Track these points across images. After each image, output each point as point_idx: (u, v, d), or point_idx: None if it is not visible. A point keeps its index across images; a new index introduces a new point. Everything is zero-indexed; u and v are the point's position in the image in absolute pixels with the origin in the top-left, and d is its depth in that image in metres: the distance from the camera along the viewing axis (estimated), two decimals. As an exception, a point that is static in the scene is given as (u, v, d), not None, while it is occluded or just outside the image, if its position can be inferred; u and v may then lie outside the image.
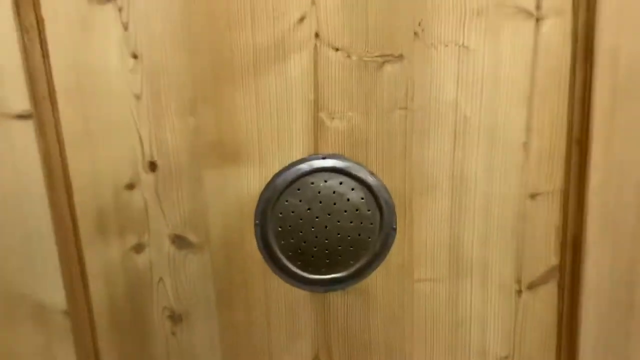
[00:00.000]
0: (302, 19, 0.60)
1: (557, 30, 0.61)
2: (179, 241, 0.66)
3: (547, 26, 0.61)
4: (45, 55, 0.59)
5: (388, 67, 0.62)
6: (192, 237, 0.66)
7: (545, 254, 0.68)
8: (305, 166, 0.64)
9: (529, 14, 0.60)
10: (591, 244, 0.66)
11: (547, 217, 0.66)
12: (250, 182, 0.64)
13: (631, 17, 0.59)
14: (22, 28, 0.58)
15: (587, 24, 0.60)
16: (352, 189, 0.65)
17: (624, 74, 0.61)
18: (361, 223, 0.65)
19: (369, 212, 0.65)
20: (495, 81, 0.62)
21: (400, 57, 0.61)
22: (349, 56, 0.61)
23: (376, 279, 0.68)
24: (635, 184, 0.64)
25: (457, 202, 0.66)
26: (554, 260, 0.68)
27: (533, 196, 0.66)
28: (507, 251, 0.67)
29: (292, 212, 0.65)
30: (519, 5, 0.60)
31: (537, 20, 0.60)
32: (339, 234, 0.65)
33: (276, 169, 0.64)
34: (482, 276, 0.68)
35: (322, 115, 0.63)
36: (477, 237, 0.67)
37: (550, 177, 0.65)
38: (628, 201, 0.65)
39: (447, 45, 0.61)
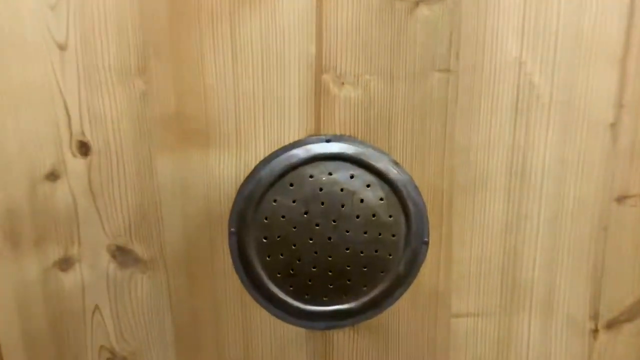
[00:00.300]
0: None
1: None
2: (122, 255, 0.46)
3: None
4: None
5: (424, 9, 0.43)
6: (140, 250, 0.46)
7: (632, 281, 0.49)
8: (301, 152, 0.45)
9: None
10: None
11: (637, 229, 0.47)
12: (223, 172, 0.45)
13: None
14: None
15: None
16: (368, 186, 0.45)
17: None
18: (379, 234, 0.46)
19: (391, 219, 0.46)
20: (575, 35, 0.44)
21: (442, -5, 0.42)
22: (367, -8, 0.42)
23: (399, 311, 0.49)
24: None
25: (516, 207, 0.47)
26: (644, 290, 0.49)
27: (620, 200, 0.47)
28: (581, 277, 0.48)
29: (282, 216, 0.46)
30: None
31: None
32: (347, 249, 0.46)
33: (260, 156, 0.45)
34: (545, 310, 0.49)
35: (327, 78, 0.44)
36: (541, 256, 0.48)
37: (647, 173, 0.46)
38: None
39: (509, -20, 0.42)
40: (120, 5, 0.42)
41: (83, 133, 0.44)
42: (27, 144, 0.44)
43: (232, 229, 0.47)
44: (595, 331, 0.50)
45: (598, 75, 0.45)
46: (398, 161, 0.46)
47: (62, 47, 0.43)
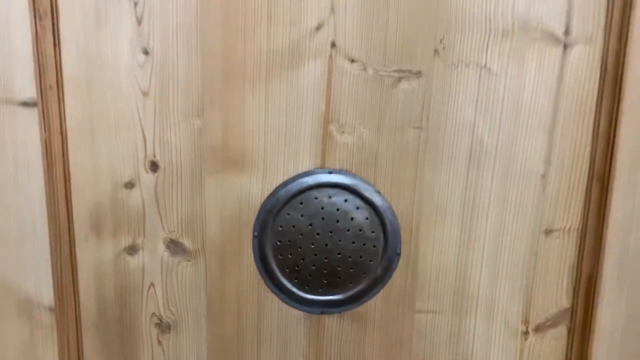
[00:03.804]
0: (319, 27, 0.54)
1: (586, 59, 0.54)
2: (174, 246, 0.59)
3: (575, 53, 0.54)
4: (56, 43, 0.55)
5: (405, 84, 0.55)
6: (187, 244, 0.59)
7: (556, 295, 0.59)
8: (310, 179, 0.57)
9: (556, 39, 0.54)
10: (607, 289, 0.57)
11: (561, 255, 0.59)
12: (252, 191, 0.58)
13: (666, 51, 0.53)
14: (36, 13, 0.54)
15: (618, 54, 0.53)
16: (357, 208, 0.58)
17: (654, 109, 0.54)
18: (364, 244, 0.58)
19: (373, 234, 0.58)
20: (516, 107, 0.55)
21: (418, 73, 0.55)
22: (364, 69, 0.55)
23: (375, 305, 0.60)
24: (659, 229, 0.56)
25: (467, 232, 0.58)
26: (565, 302, 0.59)
27: (548, 232, 0.58)
28: (516, 289, 0.59)
29: (293, 226, 0.58)
30: (547, 29, 0.53)
31: (565, 46, 0.54)
32: (339, 254, 0.58)
33: (280, 180, 0.58)
34: (487, 313, 0.60)
35: (332, 127, 0.57)
36: (485, 271, 0.59)
37: (568, 213, 0.58)
38: (650, 246, 0.57)
39: (468, 65, 0.55)
40: (187, 68, 0.55)
41: (154, 155, 0.57)
42: (113, 160, 0.58)
43: (255, 233, 0.59)
44: (526, 333, 0.61)
45: (532, 138, 0.56)
46: (380, 191, 0.58)
47: (145, 94, 0.56)
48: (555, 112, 0.55)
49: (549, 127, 0.56)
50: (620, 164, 0.55)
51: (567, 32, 0.53)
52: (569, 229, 0.58)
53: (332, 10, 0.54)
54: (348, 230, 0.58)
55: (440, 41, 0.54)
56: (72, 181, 0.58)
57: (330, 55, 0.55)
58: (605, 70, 0.54)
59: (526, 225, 0.58)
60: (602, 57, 0.54)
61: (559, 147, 0.56)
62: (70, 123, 0.56)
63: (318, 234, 0.58)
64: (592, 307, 0.58)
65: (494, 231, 0.58)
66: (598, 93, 0.55)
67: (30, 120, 0.55)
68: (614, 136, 0.54)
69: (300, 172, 0.58)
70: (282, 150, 0.57)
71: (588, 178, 0.57)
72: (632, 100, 0.53)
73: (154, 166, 0.58)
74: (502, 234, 0.58)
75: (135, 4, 0.54)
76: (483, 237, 0.58)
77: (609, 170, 0.55)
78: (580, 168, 0.56)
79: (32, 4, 0.53)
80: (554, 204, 0.57)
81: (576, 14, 0.53)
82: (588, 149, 0.56)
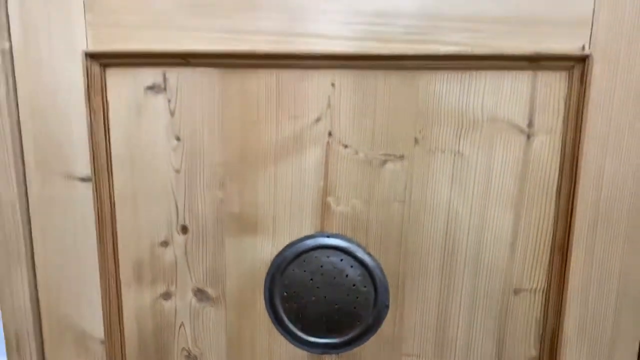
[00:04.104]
0: (318, 119, 0.65)
1: (547, 147, 0.63)
2: (200, 294, 0.72)
3: (537, 142, 0.62)
4: (106, 131, 0.67)
5: (390, 165, 0.65)
6: (211, 292, 0.71)
7: (525, 345, 0.68)
8: (311, 242, 0.68)
9: (521, 130, 0.62)
10: (568, 340, 0.66)
11: (529, 311, 0.67)
12: (263, 250, 0.69)
13: (616, 141, 0.60)
14: (90, 109, 0.66)
15: (574, 144, 0.62)
16: (351, 266, 0.68)
17: (606, 192, 0.62)
18: (357, 297, 0.69)
19: (365, 289, 0.69)
20: (486, 186, 0.64)
21: (402, 157, 0.65)
22: (356, 153, 0.65)
23: (367, 348, 0.70)
24: (613, 290, 0.64)
25: (446, 289, 0.68)
26: (533, 351, 0.68)
27: (517, 291, 0.67)
28: (490, 339, 0.68)
29: (297, 281, 0.69)
30: (512, 122, 0.62)
31: (529, 136, 0.62)
32: (336, 305, 0.69)
33: (287, 242, 0.69)
34: (465, 359, 0.69)
35: (330, 200, 0.67)
36: (462, 323, 0.68)
37: (534, 276, 0.66)
38: (607, 303, 0.64)
39: (443, 152, 0.64)
40: (211, 151, 0.67)
41: (184, 220, 0.70)
42: (152, 224, 0.70)
43: (267, 285, 0.70)
44: (499, 376, 0.70)
45: (501, 211, 0.65)
46: (371, 253, 0.68)
47: (177, 171, 0.68)
48: (521, 191, 0.64)
49: (515, 203, 0.64)
50: (577, 237, 0.63)
51: (530, 124, 0.62)
52: (536, 290, 0.66)
53: (329, 105, 0.64)
54: (343, 285, 0.68)
55: (420, 131, 0.64)
56: (119, 240, 0.71)
57: (328, 142, 0.65)
58: (564, 156, 0.62)
59: (498, 285, 0.67)
60: (562, 146, 0.62)
61: (525, 220, 0.65)
62: (117, 194, 0.69)
63: (318, 288, 0.69)
64: (556, 356, 0.66)
65: (470, 288, 0.67)
66: (559, 175, 0.63)
67: (86, 192, 0.68)
68: (572, 213, 0.63)
69: (303, 235, 0.68)
70: (289, 218, 0.68)
71: (551, 247, 0.65)
72: (587, 182, 0.62)
73: (184, 229, 0.70)
74: (477, 291, 0.67)
75: (169, 100, 0.66)
76: (460, 293, 0.68)
77: (568, 242, 0.63)
78: (544, 239, 0.65)
79: (87, 101, 0.66)
80: (521, 268, 0.66)
81: (538, 109, 0.62)
82: (551, 223, 0.64)
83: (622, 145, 0.60)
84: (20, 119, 0.67)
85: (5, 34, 0.64)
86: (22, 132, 0.67)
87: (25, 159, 0.68)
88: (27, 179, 0.68)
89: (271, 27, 0.61)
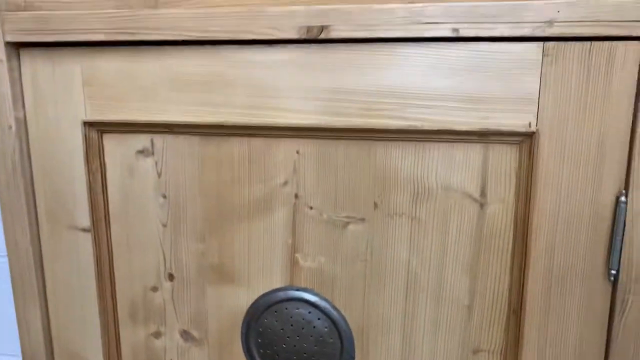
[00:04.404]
0: (285, 183, 0.70)
1: (500, 216, 0.64)
2: (186, 335, 0.78)
3: (490, 211, 0.64)
4: (104, 189, 0.76)
5: (352, 226, 0.69)
6: (195, 334, 0.78)
7: (485, 403, 0.70)
8: (282, 294, 0.73)
9: (474, 199, 0.65)
10: (528, 404, 0.67)
11: (488, 371, 0.69)
12: (240, 299, 0.75)
13: (565, 212, 0.61)
14: (89, 169, 0.75)
15: (526, 214, 0.63)
16: (319, 319, 0.73)
17: (558, 260, 0.63)
18: (324, 348, 0.73)
19: (332, 341, 0.73)
20: (442, 250, 0.67)
21: (362, 220, 0.69)
22: (320, 214, 0.70)
23: (334, 395, 0.75)
24: (569, 354, 0.65)
25: (408, 343, 0.71)
26: (492, 410, 0.70)
27: (475, 352, 0.69)
28: (451, 394, 0.71)
29: (269, 329, 0.74)
30: (465, 191, 0.65)
31: (482, 205, 0.64)
32: (305, 354, 0.74)
33: (260, 293, 0.74)
34: (426, 411, 0.72)
35: (298, 256, 0.72)
36: (423, 377, 0.71)
37: (491, 337, 0.68)
38: (566, 372, 0.65)
39: (401, 216, 0.67)
40: (193, 209, 0.74)
41: (171, 268, 0.77)
42: (144, 270, 0.78)
43: (243, 331, 0.76)
44: None
45: (458, 274, 0.67)
46: (336, 307, 0.72)
47: (164, 225, 0.76)
48: (476, 256, 0.66)
49: (471, 267, 0.66)
50: (530, 301, 0.64)
51: (482, 194, 0.64)
52: (493, 351, 0.68)
53: (295, 170, 0.69)
54: (311, 336, 0.73)
55: (378, 196, 0.67)
56: (116, 283, 0.79)
57: (295, 203, 0.70)
58: (517, 225, 0.64)
59: (456, 345, 0.69)
60: (514, 215, 0.64)
61: (481, 284, 0.67)
62: (114, 243, 0.77)
63: (288, 337, 0.74)
64: (515, 418, 0.68)
65: (430, 346, 0.70)
66: (512, 243, 0.65)
67: (87, 241, 0.77)
68: (525, 279, 0.64)
69: (275, 287, 0.74)
70: (262, 271, 0.74)
71: (507, 310, 0.66)
72: (539, 251, 0.63)
73: (170, 277, 0.77)
74: (437, 349, 0.70)
75: (156, 162, 0.73)
76: (421, 350, 0.70)
77: (522, 306, 0.65)
78: (500, 301, 0.66)
79: (87, 163, 0.75)
80: (479, 329, 0.68)
81: (490, 180, 0.64)
82: (506, 287, 0.66)
83: (571, 216, 0.61)
84: (33, 177, 0.76)
85: (20, 105, 0.74)
86: (35, 189, 0.77)
87: (38, 212, 0.77)
88: (39, 229, 0.78)
89: (242, 102, 0.67)
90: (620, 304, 0.62)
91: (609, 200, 0.60)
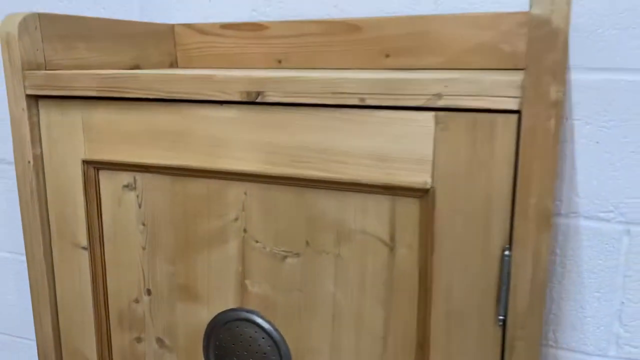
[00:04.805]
0: (236, 219, 0.82)
1: (407, 260, 0.72)
2: (160, 342, 0.92)
3: (399, 255, 0.73)
4: (99, 215, 0.91)
5: (289, 259, 0.80)
6: (167, 341, 0.91)
7: None
8: (234, 314, 0.85)
9: (385, 243, 0.73)
10: None
11: (403, 397, 0.76)
12: (202, 315, 0.88)
13: (461, 261, 0.68)
14: (87, 198, 0.91)
15: (427, 260, 0.71)
16: (263, 338, 0.83)
17: (456, 304, 0.69)
18: (267, 363, 0.84)
19: (274, 359, 0.83)
20: (361, 285, 0.76)
21: (297, 254, 0.79)
22: (264, 247, 0.81)
23: (275, 405, 0.85)
24: (470, 393, 0.71)
25: (335, 367, 0.80)
26: None
27: (392, 379, 0.77)
28: (372, 415, 0.79)
29: (224, 344, 0.86)
30: (377, 236, 0.73)
31: (391, 249, 0.73)
32: (251, 367, 0.85)
33: (218, 311, 0.86)
34: None
35: (247, 282, 0.83)
36: (348, 397, 0.80)
37: (404, 367, 0.75)
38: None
39: (328, 254, 0.77)
40: (166, 236, 0.88)
41: (149, 285, 0.91)
42: (129, 284, 0.92)
43: (204, 343, 0.88)
44: None
45: (374, 308, 0.75)
46: (278, 329, 0.83)
47: (144, 248, 0.90)
48: (389, 293, 0.74)
49: (385, 303, 0.75)
50: (434, 339, 0.71)
51: (392, 239, 0.72)
52: (406, 379, 0.76)
53: (244, 209, 0.81)
54: (257, 353, 0.84)
55: (309, 235, 0.77)
56: (108, 294, 0.94)
57: (243, 237, 0.82)
58: (421, 270, 0.72)
59: (375, 371, 0.77)
60: (418, 259, 0.72)
61: (394, 319, 0.75)
62: (107, 260, 0.93)
63: (238, 352, 0.85)
64: None
65: (353, 370, 0.79)
66: (418, 282, 0.72)
67: (85, 258, 0.93)
68: (428, 319, 0.71)
69: (229, 307, 0.86)
70: (219, 292, 0.86)
71: (417, 343, 0.74)
72: (439, 294, 0.70)
73: (148, 292, 0.91)
74: (359, 373, 0.78)
75: (137, 196, 0.88)
76: (345, 373, 0.79)
77: (426, 342, 0.72)
78: (410, 336, 0.74)
79: (85, 193, 0.91)
80: (393, 359, 0.76)
81: (397, 228, 0.72)
82: (414, 323, 0.74)
83: (466, 265, 0.68)
84: (47, 203, 0.94)
85: (38, 144, 0.92)
86: (49, 212, 0.94)
87: (51, 230, 0.95)
88: (52, 244, 0.95)
89: (201, 149, 0.80)
90: (509, 348, 0.67)
91: (496, 254, 0.66)
